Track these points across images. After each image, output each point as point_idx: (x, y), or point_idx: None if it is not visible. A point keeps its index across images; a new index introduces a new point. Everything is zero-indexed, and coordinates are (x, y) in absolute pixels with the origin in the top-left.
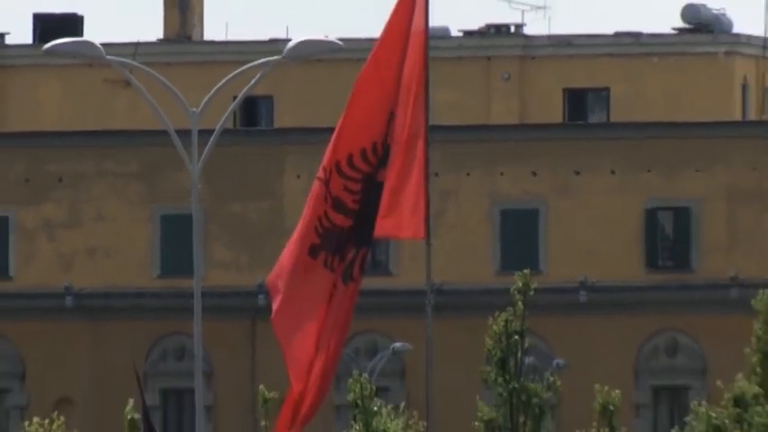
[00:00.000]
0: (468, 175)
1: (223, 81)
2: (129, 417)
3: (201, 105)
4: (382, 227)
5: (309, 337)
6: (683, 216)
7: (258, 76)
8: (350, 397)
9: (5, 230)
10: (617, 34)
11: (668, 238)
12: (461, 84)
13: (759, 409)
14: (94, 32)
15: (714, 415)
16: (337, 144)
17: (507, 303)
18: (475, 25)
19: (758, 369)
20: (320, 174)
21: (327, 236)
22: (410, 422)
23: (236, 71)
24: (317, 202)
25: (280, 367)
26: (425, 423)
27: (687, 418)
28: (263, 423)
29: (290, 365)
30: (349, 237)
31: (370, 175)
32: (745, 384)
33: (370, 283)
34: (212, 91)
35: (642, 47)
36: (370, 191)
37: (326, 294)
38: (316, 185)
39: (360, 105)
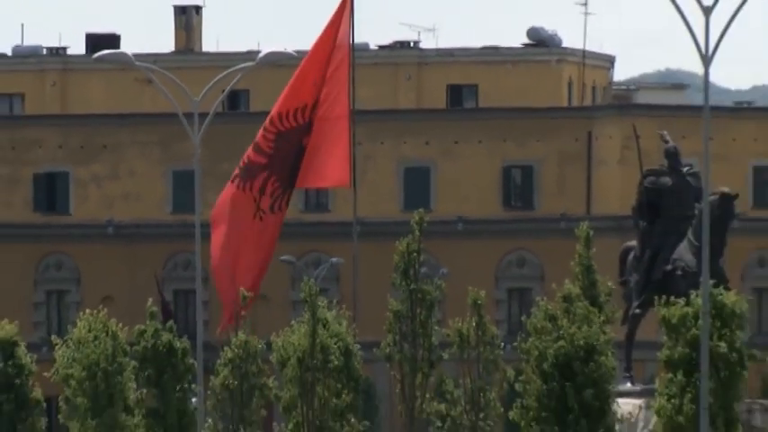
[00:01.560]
0: (381, 143)
1: (215, 79)
2: (149, 310)
3: (200, 96)
4: (321, 180)
5: (235, 254)
6: (527, 172)
7: (239, 76)
8: (302, 295)
9: (66, 181)
10: (483, 48)
11: (518, 186)
12: (377, 82)
13: (580, 303)
14: (128, 46)
15: (549, 308)
16: (274, 108)
17: (408, 231)
18: (386, 41)
19: (579, 276)
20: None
21: (245, 168)
22: (341, 312)
23: (224, 72)
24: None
25: None
26: (352, 313)
27: (531, 310)
28: (242, 313)
29: (218, 279)
30: (261, 170)
31: (287, 131)
32: (570, 287)
33: (315, 217)
34: (208, 86)
35: (500, 56)
36: (283, 143)
37: (249, 211)
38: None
39: (294, 85)
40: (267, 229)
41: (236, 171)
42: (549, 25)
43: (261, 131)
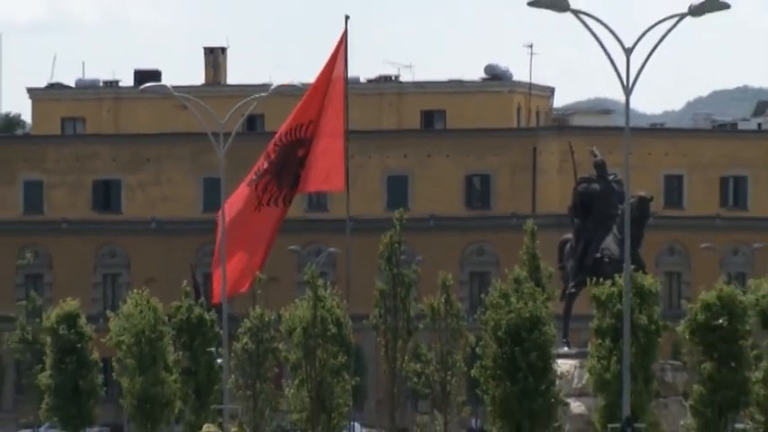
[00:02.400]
0: (369, 157)
1: (236, 106)
2: (184, 289)
3: (225, 119)
4: (321, 185)
5: (242, 239)
6: (485, 180)
7: (255, 103)
8: (305, 278)
9: (119, 187)
10: (450, 80)
11: (478, 191)
12: (365, 108)
13: (527, 284)
14: (167, 79)
15: (503, 288)
16: (282, 127)
17: (391, 226)
18: (373, 75)
19: (527, 263)
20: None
21: (256, 173)
22: (336, 291)
23: (244, 100)
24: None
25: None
26: (345, 292)
27: (488, 289)
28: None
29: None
30: (265, 173)
31: (289, 143)
32: (519, 271)
33: (316, 215)
34: (230, 111)
35: (463, 87)
36: (283, 153)
37: (252, 204)
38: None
39: (299, 109)
40: (265, 218)
41: (251, 176)
42: (502, 63)
43: (270, 144)
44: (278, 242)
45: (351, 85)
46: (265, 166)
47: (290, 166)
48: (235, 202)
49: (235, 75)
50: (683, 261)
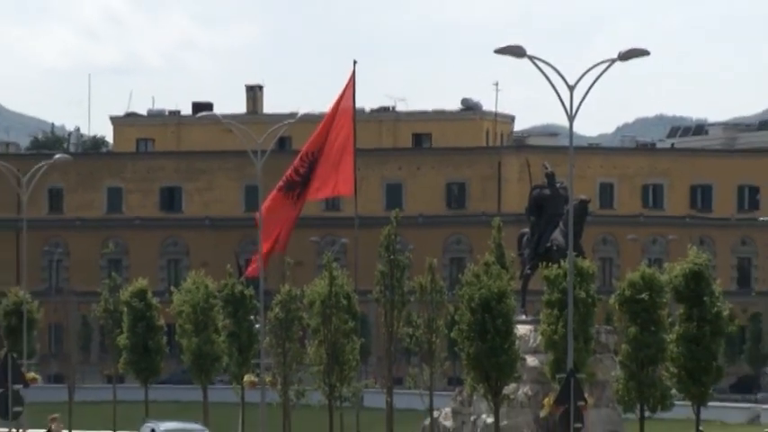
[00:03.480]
0: (372, 169)
1: (270, 130)
2: (229, 271)
3: (261, 140)
4: (335, 191)
5: (275, 227)
6: (462, 187)
7: (284, 128)
8: (323, 262)
9: (180, 192)
10: (434, 110)
11: (456, 195)
12: (369, 131)
13: (494, 267)
14: (218, 109)
15: (475, 269)
16: (304, 147)
17: (389, 222)
18: (375, 106)
19: (494, 250)
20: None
21: (286, 182)
22: (346, 273)
23: (275, 126)
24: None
25: None
26: (353, 273)
27: (464, 271)
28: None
29: (263, 240)
30: (293, 182)
31: (309, 162)
32: (488, 257)
33: (331, 213)
34: (265, 134)
35: (444, 116)
36: (306, 168)
37: (287, 203)
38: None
39: (317, 134)
40: (291, 212)
41: (280, 184)
42: (474, 97)
43: (297, 159)
44: (302, 235)
45: (357, 113)
46: (294, 178)
47: (307, 176)
48: (268, 203)
49: (269, 105)
50: (613, 249)
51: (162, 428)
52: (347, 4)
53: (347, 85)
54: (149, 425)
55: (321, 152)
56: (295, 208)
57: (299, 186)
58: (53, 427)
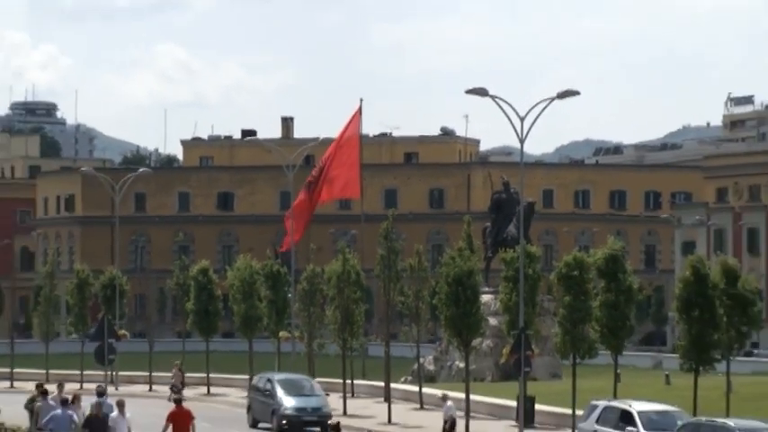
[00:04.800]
0: (373, 178)
1: (298, 151)
2: (268, 254)
3: (292, 157)
4: (345, 194)
5: (302, 216)
6: (440, 192)
7: (309, 149)
8: (338, 247)
9: (233, 196)
10: (420, 135)
11: (437, 198)
12: (371, 152)
13: (465, 251)
14: (261, 134)
15: (452, 253)
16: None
17: (386, 218)
18: (376, 132)
19: (465, 240)
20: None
21: (309, 183)
22: (356, 255)
23: (302, 147)
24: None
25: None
26: (361, 256)
27: (443, 254)
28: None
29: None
30: (311, 182)
31: (324, 171)
32: (461, 244)
33: (344, 211)
34: (295, 153)
35: (428, 139)
36: (319, 175)
37: (309, 199)
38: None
39: (329, 152)
40: (309, 204)
41: (305, 183)
42: (450, 125)
43: (316, 168)
44: (322, 228)
45: (363, 137)
46: (312, 179)
47: (321, 180)
48: (300, 197)
49: (298, 132)
50: (553, 239)
51: (276, 378)
52: (357, 55)
53: (354, 116)
54: (265, 375)
55: (330, 161)
56: (314, 196)
57: (314, 184)
58: (174, 371)
